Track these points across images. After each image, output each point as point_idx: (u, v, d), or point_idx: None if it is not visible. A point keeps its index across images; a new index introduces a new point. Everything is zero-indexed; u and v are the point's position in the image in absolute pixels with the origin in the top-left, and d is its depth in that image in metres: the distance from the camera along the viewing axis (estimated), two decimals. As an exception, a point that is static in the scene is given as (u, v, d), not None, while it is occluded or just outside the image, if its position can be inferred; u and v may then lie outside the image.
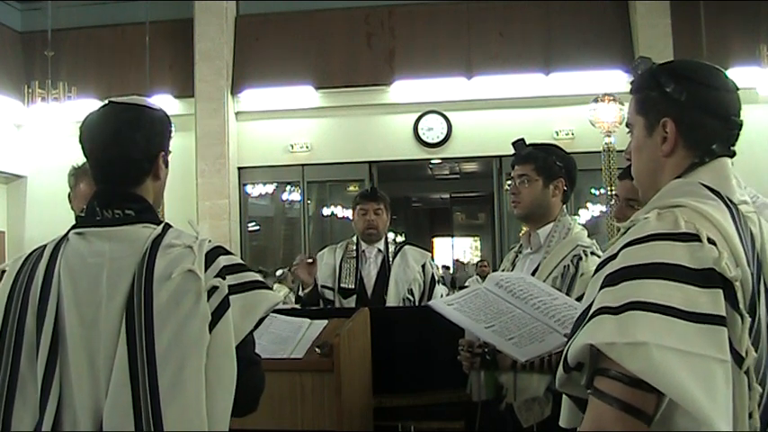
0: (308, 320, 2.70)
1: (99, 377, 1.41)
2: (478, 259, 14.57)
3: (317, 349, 2.50)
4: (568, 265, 2.45)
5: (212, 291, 1.44)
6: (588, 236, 2.62)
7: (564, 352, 1.20)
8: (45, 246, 1.55)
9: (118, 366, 1.39)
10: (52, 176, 7.52)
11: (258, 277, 1.57)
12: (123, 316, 1.42)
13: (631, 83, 1.43)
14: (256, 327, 1.54)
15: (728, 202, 1.26)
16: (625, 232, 1.24)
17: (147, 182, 1.59)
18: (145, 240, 1.48)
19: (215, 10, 9.20)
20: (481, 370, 2.49)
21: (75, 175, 2.46)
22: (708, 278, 1.13)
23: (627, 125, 1.44)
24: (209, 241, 1.54)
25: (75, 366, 1.42)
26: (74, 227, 1.55)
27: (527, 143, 2.67)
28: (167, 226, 1.55)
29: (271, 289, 1.60)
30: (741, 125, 1.34)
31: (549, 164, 2.61)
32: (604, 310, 1.13)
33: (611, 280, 1.16)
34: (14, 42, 9.79)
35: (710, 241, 1.16)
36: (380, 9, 9.28)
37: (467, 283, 10.99)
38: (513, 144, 2.68)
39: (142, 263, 1.45)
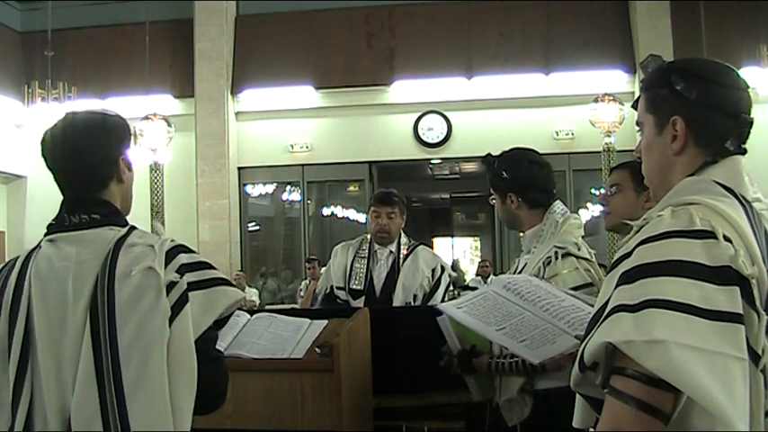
0: (308, 320, 2.69)
1: (66, 376, 1.44)
2: (479, 260, 14.49)
3: (317, 349, 2.50)
4: (540, 268, 2.43)
5: (171, 286, 1.47)
6: (586, 235, 2.61)
7: (580, 351, 1.18)
8: (19, 255, 1.60)
9: (83, 364, 1.42)
10: (52, 176, 7.51)
11: (220, 274, 1.59)
12: (87, 315, 1.45)
13: (641, 81, 1.42)
14: (222, 324, 1.57)
15: (742, 200, 1.25)
16: (638, 230, 1.23)
17: (111, 186, 1.61)
18: (109, 242, 1.52)
19: (215, 10, 9.21)
20: (463, 374, 2.50)
21: None
22: (724, 275, 1.12)
23: (637, 123, 1.42)
24: (172, 240, 1.56)
25: (43, 367, 1.44)
26: (45, 234, 1.59)
27: (505, 153, 2.63)
28: (132, 228, 1.58)
29: (233, 286, 1.61)
30: (752, 123, 1.33)
31: (494, 181, 2.59)
32: (621, 308, 1.12)
33: (627, 278, 1.15)
34: (14, 42, 9.79)
35: (726, 238, 1.15)
36: (380, 9, 9.29)
37: (469, 284, 10.97)
38: (482, 161, 2.68)
39: (105, 262, 1.48)
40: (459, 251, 18.25)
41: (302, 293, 8.53)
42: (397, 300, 3.63)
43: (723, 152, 1.31)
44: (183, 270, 1.50)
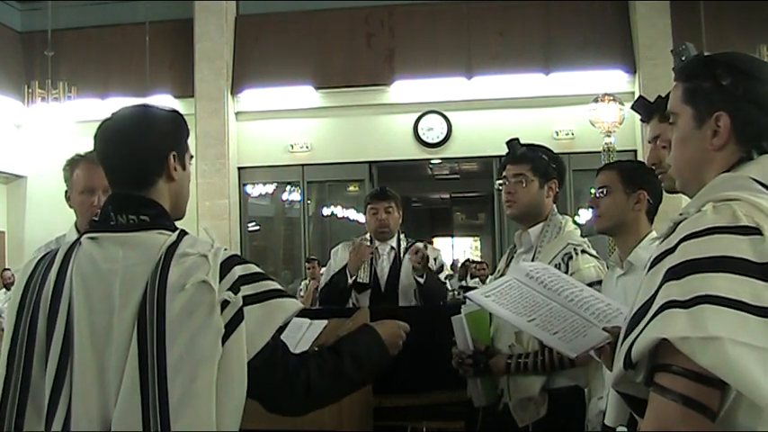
0: (308, 320, 2.69)
1: (108, 385, 1.39)
2: (478, 260, 14.33)
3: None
4: (559, 264, 2.44)
5: (225, 304, 1.42)
6: (582, 235, 2.63)
7: (625, 348, 1.16)
8: (58, 249, 1.53)
9: (128, 376, 1.37)
10: (52, 176, 7.51)
11: (276, 285, 1.54)
12: (135, 325, 1.40)
13: (674, 69, 1.38)
14: (280, 332, 1.53)
15: None
16: (674, 226, 1.21)
17: (159, 184, 1.54)
18: (159, 247, 1.46)
19: (215, 10, 9.20)
20: (476, 378, 2.50)
21: (70, 164, 2.42)
22: None
23: (670, 113, 1.39)
24: (225, 249, 1.50)
25: (84, 374, 1.40)
26: (87, 231, 1.53)
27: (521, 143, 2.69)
28: (183, 233, 1.52)
29: (289, 296, 1.56)
30: None
31: (544, 164, 2.63)
32: (672, 304, 1.10)
33: (675, 273, 1.13)
34: (14, 42, 9.79)
35: None
36: (380, 9, 9.28)
37: (469, 285, 10.89)
38: (508, 143, 2.68)
39: (156, 271, 1.42)
40: (460, 251, 18.25)
41: (302, 293, 8.54)
42: (402, 289, 3.68)
43: (759, 149, 1.29)
44: (239, 283, 1.45)
